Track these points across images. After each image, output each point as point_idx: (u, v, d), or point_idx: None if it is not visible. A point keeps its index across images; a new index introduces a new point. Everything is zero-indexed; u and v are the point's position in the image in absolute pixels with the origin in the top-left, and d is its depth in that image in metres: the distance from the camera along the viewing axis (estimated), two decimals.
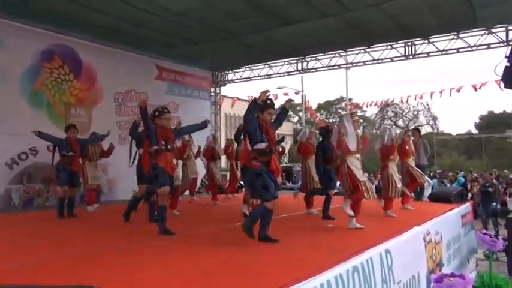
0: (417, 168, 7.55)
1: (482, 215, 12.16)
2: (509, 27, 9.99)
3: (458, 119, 65.80)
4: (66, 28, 9.60)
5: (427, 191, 9.36)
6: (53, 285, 1.56)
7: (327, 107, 49.07)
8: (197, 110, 13.34)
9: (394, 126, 34.18)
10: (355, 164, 5.50)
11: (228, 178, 13.62)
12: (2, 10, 8.45)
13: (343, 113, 42.12)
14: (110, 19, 8.99)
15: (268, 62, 13.67)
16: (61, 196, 6.78)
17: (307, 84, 66.31)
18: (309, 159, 7.38)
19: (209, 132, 11.29)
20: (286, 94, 19.66)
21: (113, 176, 10.48)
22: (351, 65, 13.33)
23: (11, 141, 8.67)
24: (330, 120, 46.35)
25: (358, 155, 5.63)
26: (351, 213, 5.43)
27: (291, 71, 13.67)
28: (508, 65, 6.05)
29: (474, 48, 10.68)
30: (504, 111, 40.75)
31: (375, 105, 25.12)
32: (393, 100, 24.37)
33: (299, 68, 13.45)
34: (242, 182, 11.74)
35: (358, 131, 5.80)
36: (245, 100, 21.22)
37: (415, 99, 21.38)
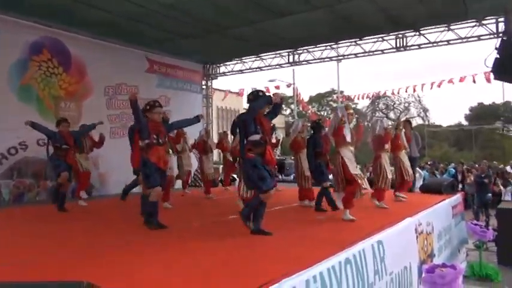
0: (408, 164, 7.54)
1: (476, 205, 12.31)
2: (500, 19, 10.03)
3: (448, 111, 66.32)
4: (54, 21, 9.45)
5: (418, 183, 9.45)
6: (46, 282, 1.55)
7: (318, 99, 49.12)
8: (189, 103, 13.25)
9: (385, 118, 34.31)
10: (348, 156, 5.50)
11: (220, 171, 13.64)
12: None
13: (334, 105, 42.24)
14: (99, 12, 8.86)
15: (260, 55, 13.62)
16: (60, 182, 6.74)
17: (298, 77, 66.44)
18: (300, 153, 7.38)
19: (202, 126, 11.24)
20: (277, 87, 19.62)
21: (104, 170, 10.40)
22: (342, 58, 13.32)
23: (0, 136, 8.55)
24: (322, 113, 46.48)
25: (351, 148, 5.63)
26: (341, 206, 5.49)
27: (283, 64, 13.64)
28: (498, 56, 6.10)
29: (465, 40, 10.72)
30: (493, 102, 41.10)
31: (366, 98, 25.27)
32: (384, 92, 24.47)
33: (290, 60, 13.42)
34: (235, 175, 11.78)
35: (351, 123, 5.79)
36: (237, 93, 21.18)
37: (406, 91, 21.52)
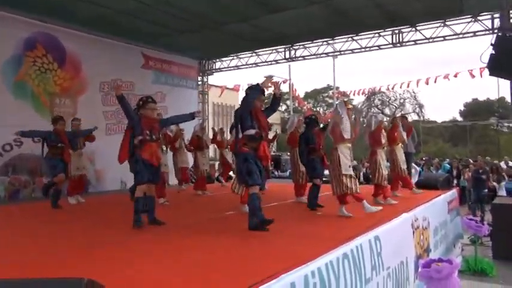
0: (403, 159, 7.51)
1: (472, 201, 12.38)
2: (495, 15, 10.07)
3: (443, 107, 66.53)
4: (48, 16, 9.38)
5: (414, 178, 9.46)
6: (46, 279, 1.54)
7: (314, 95, 49.11)
8: (184, 99, 13.22)
9: (380, 114, 34.39)
10: (345, 153, 5.49)
11: (216, 167, 13.63)
12: None
13: (330, 101, 42.26)
14: (94, 7, 8.81)
15: (256, 51, 13.59)
16: (56, 181, 6.72)
17: (294, 73, 66.21)
18: (297, 148, 7.36)
19: (197, 121, 11.20)
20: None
21: (100, 167, 10.35)
22: (338, 53, 13.33)
23: None
24: (318, 109, 46.50)
25: (349, 144, 5.62)
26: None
27: (279, 59, 13.63)
28: (494, 52, 6.12)
29: (460, 36, 10.77)
30: (488, 98, 41.22)
31: (362, 94, 25.30)
32: (380, 88, 24.50)
33: (287, 56, 13.41)
34: (232, 173, 11.75)
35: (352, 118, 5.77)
36: (232, 89, 21.15)
37: (401, 87, 21.56)
